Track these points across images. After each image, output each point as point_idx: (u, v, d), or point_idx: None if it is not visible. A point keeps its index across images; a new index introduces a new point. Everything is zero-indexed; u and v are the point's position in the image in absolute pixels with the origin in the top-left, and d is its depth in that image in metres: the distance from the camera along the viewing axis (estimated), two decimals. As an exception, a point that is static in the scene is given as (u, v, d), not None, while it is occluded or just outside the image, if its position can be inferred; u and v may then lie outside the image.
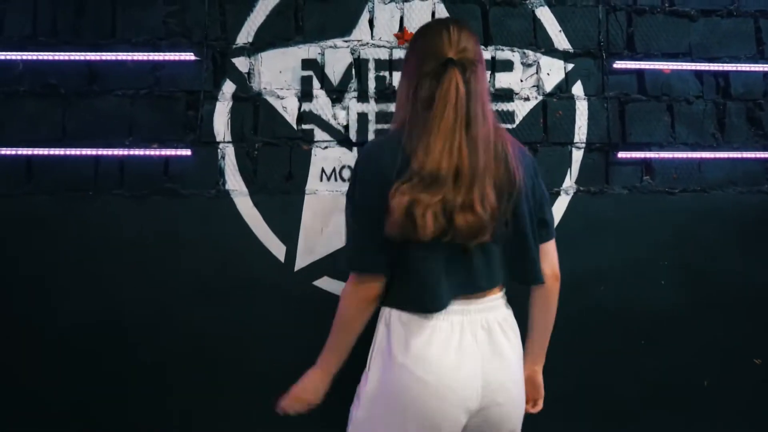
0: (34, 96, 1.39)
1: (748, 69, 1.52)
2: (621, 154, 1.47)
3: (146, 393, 1.36)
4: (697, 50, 1.52)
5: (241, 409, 1.37)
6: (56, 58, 1.39)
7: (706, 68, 1.51)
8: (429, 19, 1.43)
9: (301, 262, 1.39)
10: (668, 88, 1.50)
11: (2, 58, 1.39)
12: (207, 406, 1.37)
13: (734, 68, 1.52)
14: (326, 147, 1.42)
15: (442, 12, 1.46)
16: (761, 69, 1.53)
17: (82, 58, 1.39)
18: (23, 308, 1.36)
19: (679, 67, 1.50)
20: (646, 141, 1.49)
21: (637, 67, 1.49)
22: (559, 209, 1.46)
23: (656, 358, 1.47)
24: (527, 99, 1.47)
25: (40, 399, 1.35)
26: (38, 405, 1.35)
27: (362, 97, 1.43)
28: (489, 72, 1.45)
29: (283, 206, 1.40)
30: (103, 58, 1.40)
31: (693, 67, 1.51)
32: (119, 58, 1.40)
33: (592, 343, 1.46)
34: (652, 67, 1.49)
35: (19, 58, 1.40)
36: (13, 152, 1.37)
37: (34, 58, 1.39)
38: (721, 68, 1.51)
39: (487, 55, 1.45)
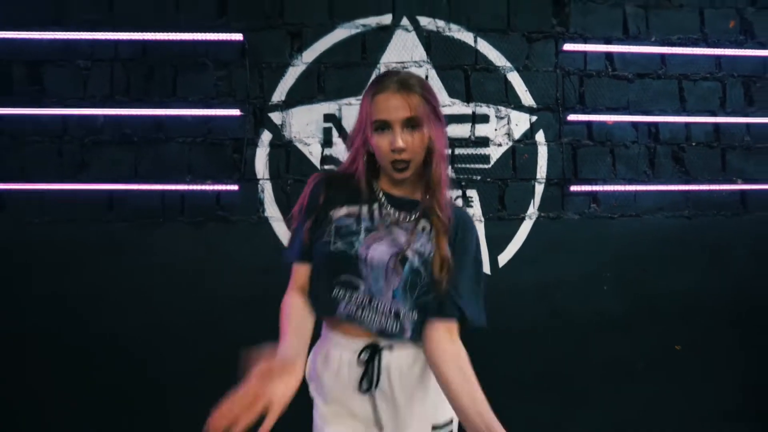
0: (112, 144, 1.77)
1: (673, 120, 1.94)
2: (573, 188, 1.88)
3: (212, 383, 1.74)
4: (633, 105, 1.93)
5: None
6: (129, 113, 1.77)
7: (641, 120, 1.92)
8: (428, 72, 1.83)
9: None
10: (611, 135, 1.92)
11: (87, 113, 1.77)
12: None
13: (662, 119, 1.93)
14: (342, 182, 1.82)
15: (433, 76, 1.86)
16: (683, 120, 1.94)
17: (150, 113, 1.77)
18: (104, 314, 1.74)
19: (620, 119, 1.92)
20: (593, 177, 1.90)
21: (587, 119, 1.90)
22: (524, 231, 1.86)
23: (602, 348, 1.88)
24: (500, 145, 1.87)
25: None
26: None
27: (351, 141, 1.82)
28: (470, 123, 1.86)
29: (309, 229, 1.79)
30: (167, 113, 1.78)
31: (630, 119, 1.92)
32: (180, 113, 1.78)
33: (552, 339, 1.86)
34: (598, 119, 1.91)
35: (100, 113, 1.77)
36: (98, 187, 1.75)
37: (112, 113, 1.77)
38: (652, 119, 1.93)
39: (468, 110, 1.86)
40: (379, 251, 0.93)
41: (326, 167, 1.81)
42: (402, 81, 0.93)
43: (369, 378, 0.95)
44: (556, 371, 1.86)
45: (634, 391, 1.89)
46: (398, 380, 0.96)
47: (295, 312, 0.98)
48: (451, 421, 1.00)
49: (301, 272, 1.02)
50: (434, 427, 0.99)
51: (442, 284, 0.92)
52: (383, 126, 0.92)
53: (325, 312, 0.99)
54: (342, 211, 0.97)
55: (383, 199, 0.99)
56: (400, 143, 0.90)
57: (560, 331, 1.87)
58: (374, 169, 1.01)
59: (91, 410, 1.73)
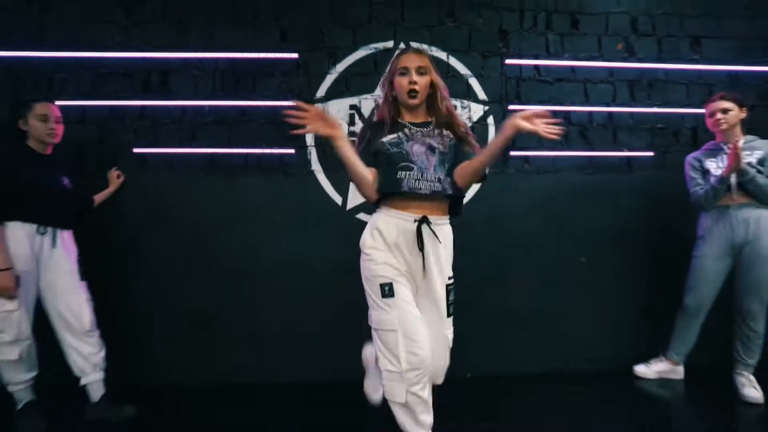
0: (213, 123, 2.76)
1: (580, 110, 2.93)
2: (512, 153, 2.86)
3: (280, 272, 2.72)
4: (553, 99, 2.92)
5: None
6: (225, 104, 2.76)
7: (559, 109, 2.91)
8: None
9: (350, 205, 2.77)
10: (538, 119, 2.90)
11: (197, 104, 2.76)
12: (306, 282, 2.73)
13: (573, 109, 2.92)
14: (361, 149, 2.80)
15: (421, 80, 2.84)
16: (588, 110, 2.93)
17: (238, 104, 2.77)
18: (209, 229, 2.71)
19: (544, 108, 2.89)
20: (526, 146, 2.89)
21: (521, 108, 2.88)
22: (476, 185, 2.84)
23: (532, 261, 2.85)
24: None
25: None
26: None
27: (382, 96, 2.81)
28: (444, 111, 2.84)
29: (340, 178, 2.77)
30: (249, 104, 2.77)
31: (551, 108, 2.90)
32: (257, 104, 2.77)
33: (495, 251, 2.83)
34: (534, 108, 2.89)
35: (206, 104, 2.76)
36: (204, 151, 2.74)
37: (214, 104, 2.76)
38: (566, 109, 2.92)
39: (443, 102, 2.84)
40: (416, 147, 1.63)
41: (351, 138, 2.79)
42: (417, 48, 1.78)
43: (421, 239, 1.58)
44: (499, 276, 2.83)
45: (556, 292, 2.85)
46: (435, 243, 1.62)
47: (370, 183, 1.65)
48: (452, 277, 1.70)
49: (369, 175, 1.65)
50: (449, 279, 1.68)
51: (464, 146, 1.70)
52: (404, 71, 1.64)
53: (394, 188, 1.59)
54: (386, 138, 1.65)
55: (408, 125, 1.70)
56: (414, 77, 1.62)
57: (502, 246, 2.84)
58: (397, 110, 1.72)
59: (222, 287, 2.70)
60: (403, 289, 1.60)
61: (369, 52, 2.83)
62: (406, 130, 1.68)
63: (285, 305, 2.72)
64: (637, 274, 2.90)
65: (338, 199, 2.77)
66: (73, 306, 2.12)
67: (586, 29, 2.96)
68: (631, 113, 2.97)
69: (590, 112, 2.95)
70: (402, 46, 2.84)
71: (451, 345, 1.73)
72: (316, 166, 2.79)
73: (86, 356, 2.15)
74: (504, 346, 2.81)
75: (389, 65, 1.78)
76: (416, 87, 1.65)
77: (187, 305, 2.69)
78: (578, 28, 2.96)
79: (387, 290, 1.58)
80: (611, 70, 2.96)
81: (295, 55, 2.78)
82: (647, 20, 2.99)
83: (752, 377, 2.40)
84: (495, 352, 2.80)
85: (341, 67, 2.82)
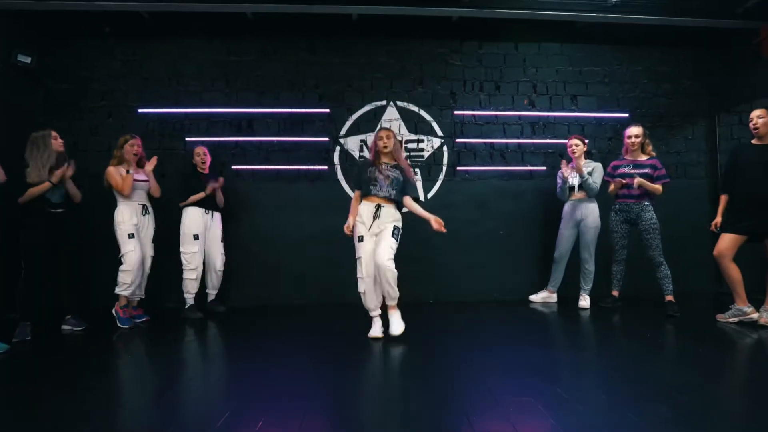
0: (279, 151, 4.63)
1: (500, 141, 4.79)
2: (458, 168, 4.73)
3: (319, 250, 4.58)
4: (484, 135, 4.78)
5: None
6: (283, 139, 4.63)
7: (487, 141, 4.77)
8: (398, 128, 4.69)
9: (360, 200, 4.64)
10: (474, 147, 4.77)
11: (268, 139, 4.62)
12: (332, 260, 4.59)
13: (496, 141, 4.78)
14: (367, 166, 4.68)
15: (402, 124, 4.71)
16: (505, 141, 4.79)
17: (293, 139, 4.63)
18: (269, 219, 4.58)
19: (478, 141, 4.77)
20: (467, 164, 4.75)
21: (464, 141, 4.76)
22: (437, 186, 4.71)
23: (469, 231, 4.71)
24: (428, 151, 4.73)
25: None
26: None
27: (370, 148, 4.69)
28: (416, 142, 4.71)
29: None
30: (299, 139, 4.64)
31: (482, 141, 4.77)
32: (304, 139, 4.64)
33: (450, 226, 4.69)
34: (469, 141, 4.76)
35: (274, 140, 4.63)
36: (272, 167, 4.60)
37: (280, 139, 4.63)
38: (492, 141, 4.78)
39: (415, 137, 4.71)
40: (381, 176, 3.22)
41: (361, 159, 4.67)
42: (386, 128, 3.62)
43: (376, 214, 3.50)
44: (451, 241, 4.69)
45: (485, 250, 4.71)
46: (385, 216, 3.41)
47: (355, 203, 3.58)
48: (400, 228, 3.66)
49: (357, 193, 3.34)
50: (394, 225, 3.69)
51: (409, 183, 3.35)
52: (380, 138, 3.24)
53: (367, 193, 3.27)
54: (370, 170, 3.22)
55: (382, 165, 3.24)
56: (385, 141, 3.24)
57: (454, 221, 4.69)
58: (377, 156, 3.32)
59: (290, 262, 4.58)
60: (367, 239, 3.17)
61: (371, 107, 4.71)
62: (378, 167, 3.27)
63: (320, 259, 4.58)
64: (533, 240, 4.77)
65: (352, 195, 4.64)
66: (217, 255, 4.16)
67: (504, 91, 4.83)
68: (533, 143, 4.83)
69: (506, 143, 4.81)
70: (391, 103, 4.71)
71: (387, 248, 3.11)
72: (339, 176, 4.66)
73: (215, 280, 4.17)
74: (453, 283, 4.68)
75: (374, 134, 3.57)
76: (387, 147, 3.28)
77: (262, 258, 4.56)
78: (500, 90, 4.83)
79: (360, 239, 3.18)
80: (520, 117, 4.83)
81: (327, 110, 4.65)
82: (543, 85, 4.87)
83: (587, 296, 4.27)
84: (448, 287, 4.67)
85: (355, 116, 4.69)
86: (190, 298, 4.00)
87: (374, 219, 3.20)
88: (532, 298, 4.57)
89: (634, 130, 3.97)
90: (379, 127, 4.59)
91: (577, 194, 4.25)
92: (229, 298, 4.46)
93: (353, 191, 3.60)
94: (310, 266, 4.58)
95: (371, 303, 3.21)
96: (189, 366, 2.89)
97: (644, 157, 4.03)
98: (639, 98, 4.93)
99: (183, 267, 3.97)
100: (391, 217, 3.24)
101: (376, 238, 3.20)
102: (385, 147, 3.29)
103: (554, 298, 4.52)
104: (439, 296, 4.65)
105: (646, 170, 3.94)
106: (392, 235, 3.17)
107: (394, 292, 3.11)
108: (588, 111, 4.88)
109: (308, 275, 4.58)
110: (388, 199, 3.24)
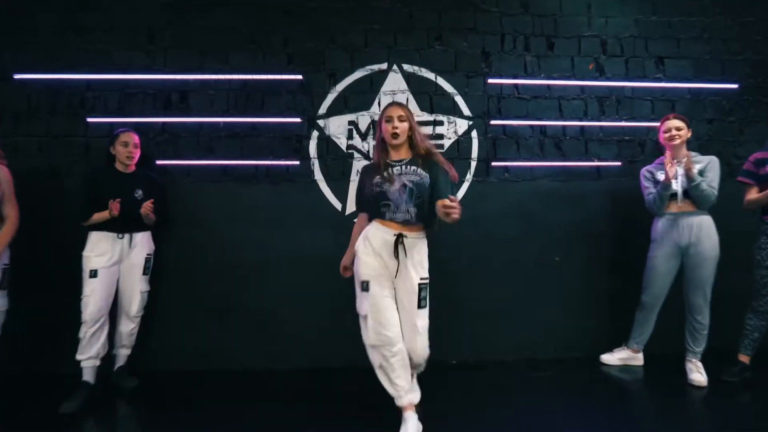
0: (227, 137, 3.11)
1: (555, 124, 3.27)
2: (494, 163, 3.21)
3: (285, 264, 3.07)
4: (531, 114, 3.26)
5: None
6: (238, 120, 3.11)
7: (535, 124, 3.25)
8: (406, 102, 3.16)
9: (348, 210, 3.12)
10: (517, 133, 3.25)
11: (213, 120, 3.10)
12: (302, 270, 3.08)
13: (548, 123, 3.26)
14: (359, 159, 3.15)
15: (411, 98, 3.19)
16: (562, 124, 3.27)
17: (249, 120, 3.11)
18: (225, 226, 3.07)
19: (522, 123, 3.25)
20: (505, 157, 3.23)
21: (502, 123, 3.23)
22: (464, 188, 3.19)
23: (507, 254, 3.20)
24: (450, 138, 3.21)
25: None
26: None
27: (374, 138, 3.16)
28: (432, 126, 3.19)
29: (340, 186, 3.12)
30: (258, 120, 3.12)
31: (528, 123, 3.25)
32: (266, 120, 3.12)
33: (479, 247, 3.18)
34: (509, 123, 3.24)
35: (221, 120, 3.11)
36: (218, 162, 3.09)
37: (227, 120, 3.11)
38: (541, 124, 3.26)
39: (431, 118, 3.19)
40: (393, 189, 2.05)
41: (349, 151, 3.15)
42: (398, 102, 2.24)
43: (396, 251, 2.03)
44: (479, 271, 3.18)
45: (531, 286, 3.20)
46: (409, 251, 2.04)
47: (357, 232, 2.24)
48: (428, 278, 2.09)
49: (362, 216, 2.26)
50: (421, 279, 2.06)
51: (445, 182, 2.08)
52: (388, 119, 2.11)
53: (378, 216, 2.09)
54: (376, 179, 2.09)
55: (391, 163, 2.12)
56: (396, 123, 2.09)
57: (484, 242, 3.18)
58: (385, 149, 2.18)
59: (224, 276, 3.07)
60: (376, 287, 2.03)
61: (365, 73, 3.18)
62: (387, 172, 2.10)
63: (291, 293, 3.07)
64: (603, 272, 3.25)
65: (338, 205, 3.13)
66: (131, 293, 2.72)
67: (560, 51, 3.30)
68: (601, 127, 3.31)
69: (564, 126, 3.29)
70: (395, 67, 3.18)
71: (422, 332, 2.07)
72: (318, 175, 3.14)
73: (125, 334, 2.73)
74: (484, 333, 3.16)
75: (379, 115, 2.21)
76: (397, 131, 2.11)
77: (203, 296, 3.05)
78: (553, 50, 3.30)
79: (365, 286, 2.05)
80: (583, 88, 3.30)
81: (299, 77, 3.12)
82: (615, 42, 3.33)
83: (699, 363, 2.75)
84: (476, 341, 3.15)
85: (341, 87, 3.16)
86: (85, 363, 2.55)
87: (391, 258, 2.07)
88: (606, 358, 3.06)
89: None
90: (379, 97, 3.06)
91: (681, 204, 2.73)
92: (148, 361, 2.96)
93: (360, 212, 2.34)
94: (277, 308, 3.07)
95: (398, 382, 2.04)
96: None
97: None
98: (751, 62, 3.40)
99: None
100: (418, 254, 2.11)
101: (396, 290, 2.11)
102: (396, 133, 2.13)
103: (639, 359, 3.01)
104: (464, 353, 3.14)
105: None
106: (420, 305, 2.07)
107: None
108: (680, 80, 3.35)
109: (273, 323, 3.07)
110: (411, 224, 2.10)
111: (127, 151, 2.67)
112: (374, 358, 2.04)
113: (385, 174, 2.09)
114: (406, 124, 2.13)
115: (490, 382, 2.82)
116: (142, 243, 2.73)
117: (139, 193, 2.68)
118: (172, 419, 2.36)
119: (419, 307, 2.05)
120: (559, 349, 3.18)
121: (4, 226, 2.42)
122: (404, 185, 2.06)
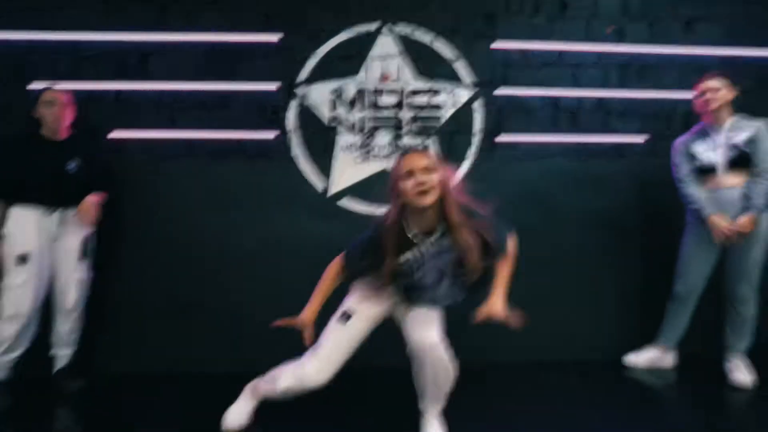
0: (194, 108, 2.70)
1: (569, 94, 2.85)
2: (498, 139, 2.79)
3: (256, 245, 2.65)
4: (541, 83, 2.84)
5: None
6: (206, 87, 2.70)
7: (546, 94, 2.84)
8: (397, 71, 2.75)
9: (331, 191, 2.70)
10: (525, 105, 2.84)
11: (177, 88, 2.69)
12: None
13: (562, 94, 2.85)
14: (343, 134, 2.74)
15: (404, 63, 2.78)
16: (577, 94, 2.86)
17: (219, 87, 2.70)
18: (189, 229, 2.65)
19: (531, 94, 2.83)
20: (512, 131, 2.81)
21: (508, 93, 2.82)
22: (464, 170, 2.77)
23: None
24: (448, 109, 2.79)
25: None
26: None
27: (361, 109, 2.75)
28: (426, 95, 2.77)
29: (323, 163, 2.71)
30: (230, 87, 2.71)
31: (538, 94, 2.84)
32: (238, 88, 2.71)
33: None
34: (516, 93, 2.82)
35: (185, 88, 2.70)
36: (182, 136, 2.67)
37: (194, 88, 2.70)
38: (553, 94, 2.84)
39: (427, 86, 2.78)
40: (428, 276, 1.64)
41: (332, 124, 2.73)
42: (418, 150, 1.65)
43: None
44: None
45: (546, 279, 2.78)
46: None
47: (331, 277, 1.76)
48: None
49: (337, 267, 1.74)
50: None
51: (476, 264, 1.62)
52: (409, 174, 1.50)
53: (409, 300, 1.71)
54: (408, 258, 1.61)
55: (418, 239, 1.60)
56: (421, 178, 1.48)
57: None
58: (409, 216, 1.58)
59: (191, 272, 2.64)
60: (357, 322, 1.76)
61: (351, 34, 2.77)
62: (415, 252, 1.62)
63: (265, 288, 2.65)
64: (628, 262, 2.83)
65: (319, 185, 2.71)
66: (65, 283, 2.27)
67: (574, 12, 2.89)
68: (621, 98, 2.89)
69: (579, 97, 2.87)
70: (386, 28, 2.77)
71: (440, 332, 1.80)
72: (296, 150, 2.72)
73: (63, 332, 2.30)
74: (495, 333, 2.72)
75: (392, 171, 1.62)
76: (424, 187, 1.50)
77: (166, 291, 2.62)
78: (566, 10, 2.89)
79: (344, 318, 1.76)
80: (600, 54, 2.89)
81: (275, 38, 2.71)
82: (638, 2, 2.93)
83: (742, 362, 2.33)
84: (486, 340, 2.72)
85: (323, 50, 2.75)
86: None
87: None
88: (632, 359, 2.63)
89: None
90: (367, 62, 2.64)
91: (724, 179, 2.31)
92: (98, 360, 2.54)
93: (348, 265, 1.78)
94: (249, 303, 2.65)
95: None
96: None
97: None
98: (792, 27, 2.99)
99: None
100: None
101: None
102: (424, 190, 1.52)
103: (670, 360, 2.59)
104: (470, 354, 2.69)
105: None
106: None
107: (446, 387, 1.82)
108: (711, 45, 2.94)
109: (245, 320, 2.64)
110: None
111: (53, 113, 2.24)
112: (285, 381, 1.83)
113: (415, 253, 1.62)
114: (435, 177, 1.53)
115: (501, 385, 2.42)
116: (76, 221, 2.28)
117: (72, 165, 2.25)
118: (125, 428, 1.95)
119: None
120: (577, 349, 2.75)
121: None
122: (441, 272, 1.64)
